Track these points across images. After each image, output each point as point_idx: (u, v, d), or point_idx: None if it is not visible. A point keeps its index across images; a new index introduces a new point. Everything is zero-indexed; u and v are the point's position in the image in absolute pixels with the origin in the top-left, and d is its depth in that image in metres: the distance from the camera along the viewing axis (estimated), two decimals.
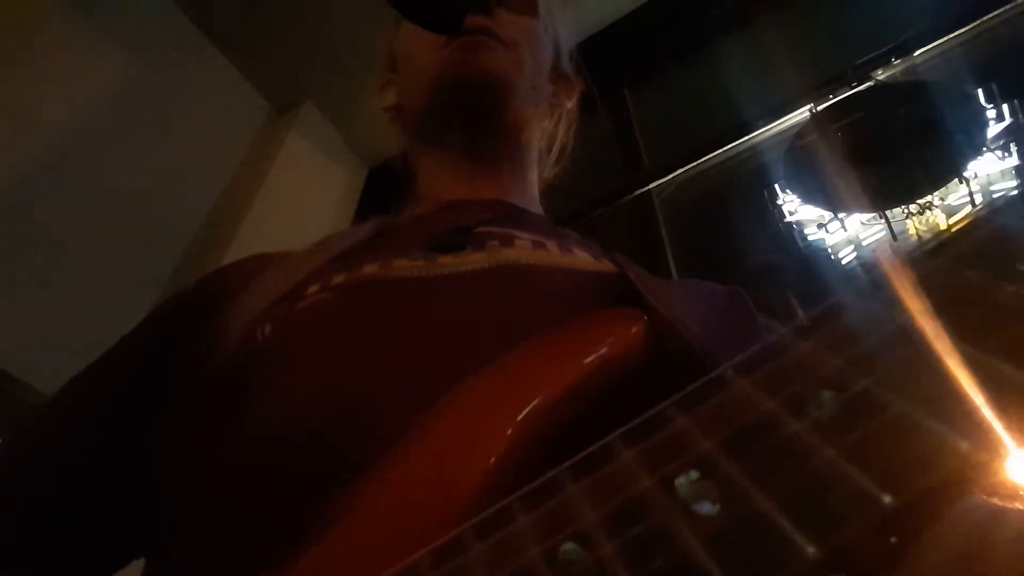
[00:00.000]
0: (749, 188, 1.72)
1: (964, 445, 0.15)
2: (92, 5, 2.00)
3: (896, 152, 1.43)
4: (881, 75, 1.59)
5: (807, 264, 1.53)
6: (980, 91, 1.39)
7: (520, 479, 0.24)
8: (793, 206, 1.57)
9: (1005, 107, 1.37)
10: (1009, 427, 0.15)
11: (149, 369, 0.47)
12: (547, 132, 0.73)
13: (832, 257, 1.51)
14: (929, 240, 0.21)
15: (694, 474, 0.17)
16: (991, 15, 1.56)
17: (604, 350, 0.32)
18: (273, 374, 0.40)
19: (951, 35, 1.61)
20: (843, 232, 1.50)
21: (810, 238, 1.54)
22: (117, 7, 2.08)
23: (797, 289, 1.52)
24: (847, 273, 1.49)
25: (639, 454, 0.19)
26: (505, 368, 0.32)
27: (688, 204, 1.89)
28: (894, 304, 0.19)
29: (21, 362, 1.48)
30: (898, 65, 1.59)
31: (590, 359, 0.31)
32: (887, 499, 0.15)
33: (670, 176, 1.92)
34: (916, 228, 1.43)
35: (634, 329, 0.33)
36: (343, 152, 2.65)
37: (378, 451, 0.30)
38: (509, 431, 0.28)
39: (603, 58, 2.15)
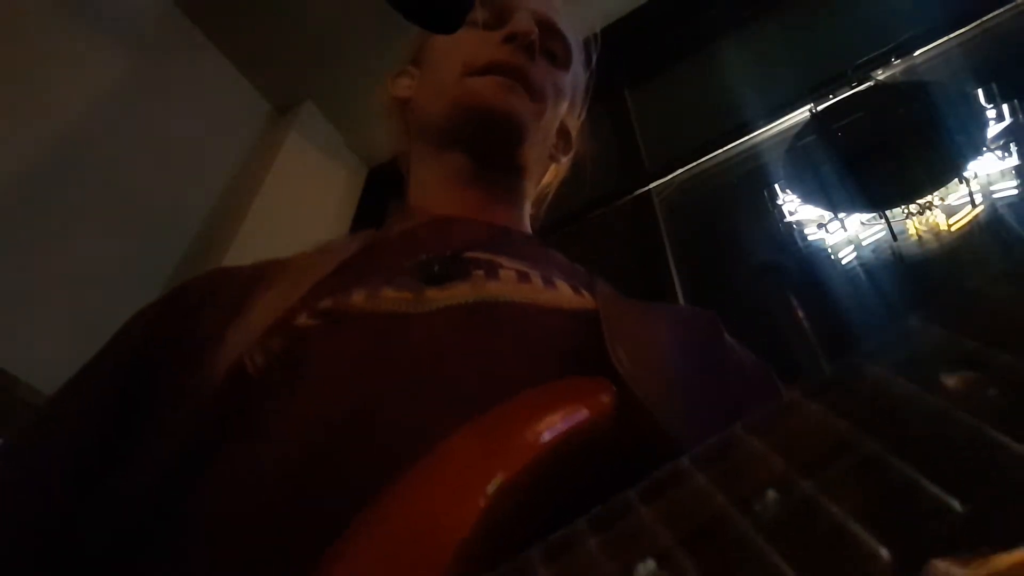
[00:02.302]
0: (749, 188, 1.72)
1: (884, 553, 0.16)
2: (92, 5, 2.01)
3: (896, 152, 1.43)
4: (881, 75, 1.59)
5: (807, 264, 1.54)
6: (980, 91, 1.40)
7: (495, 545, 0.26)
8: (793, 206, 1.58)
9: (1005, 107, 1.37)
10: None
11: (122, 398, 0.46)
12: (537, 177, 0.74)
13: (832, 257, 1.52)
14: (873, 346, 0.23)
15: (652, 564, 0.19)
16: (991, 15, 1.56)
17: (573, 422, 0.33)
18: (267, 408, 0.40)
19: (951, 35, 1.61)
20: (843, 232, 1.50)
21: (810, 238, 1.54)
22: (117, 7, 2.09)
23: (797, 289, 1.52)
24: (847, 273, 1.49)
25: (604, 542, 0.21)
26: (475, 439, 0.32)
27: (688, 204, 1.89)
28: (836, 409, 0.21)
29: (21, 362, 1.48)
30: (898, 65, 1.59)
31: (559, 431, 0.32)
32: None
33: (670, 176, 1.92)
34: (916, 228, 1.43)
35: (604, 400, 0.35)
36: (343, 152, 2.65)
37: (363, 492, 0.30)
38: (482, 503, 0.28)
39: (603, 58, 2.15)
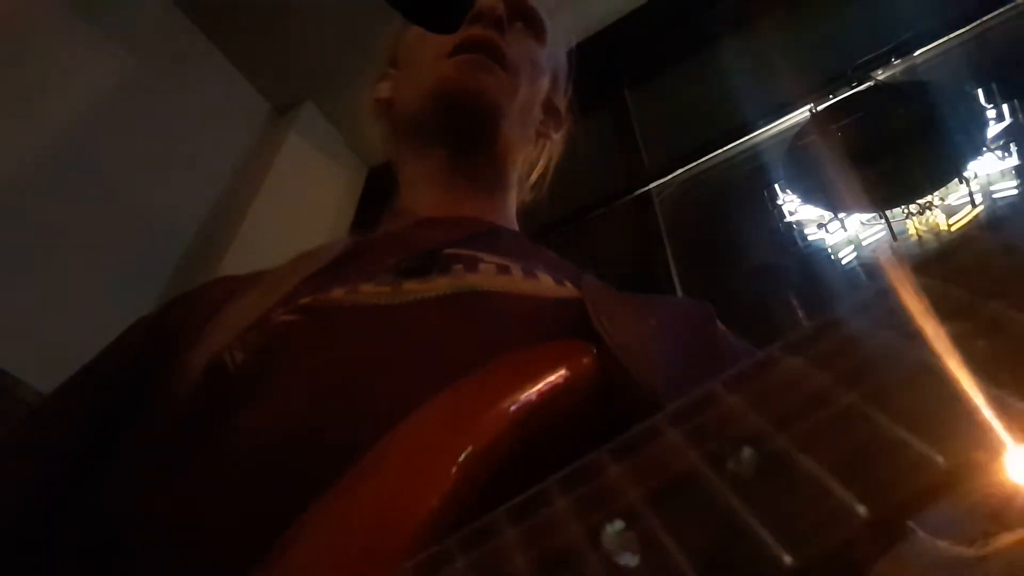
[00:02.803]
0: (749, 188, 1.72)
1: (861, 510, 0.16)
2: (92, 5, 2.00)
3: (896, 152, 1.43)
4: (881, 75, 1.59)
5: (807, 264, 1.53)
6: (980, 91, 1.40)
7: (469, 512, 0.25)
8: (793, 206, 1.57)
9: (1005, 107, 1.37)
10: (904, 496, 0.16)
11: (111, 401, 0.47)
12: (530, 158, 0.73)
13: (832, 257, 1.52)
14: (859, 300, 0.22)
15: (619, 524, 0.18)
16: (991, 15, 1.56)
17: (551, 383, 0.32)
18: (244, 400, 0.41)
19: (951, 35, 1.61)
20: (843, 232, 1.50)
21: (810, 238, 1.54)
22: (117, 7, 2.08)
23: (797, 289, 1.52)
24: (847, 273, 1.49)
25: (572, 502, 0.20)
26: (450, 404, 0.32)
27: (688, 204, 1.89)
28: (816, 362, 0.20)
29: (21, 362, 1.48)
30: (898, 65, 1.59)
31: (536, 393, 0.31)
32: (787, 559, 0.16)
33: (670, 176, 1.92)
34: (916, 228, 1.43)
35: (584, 361, 0.34)
36: (343, 152, 2.65)
37: (337, 473, 0.30)
38: (453, 470, 0.28)
39: (603, 58, 2.15)
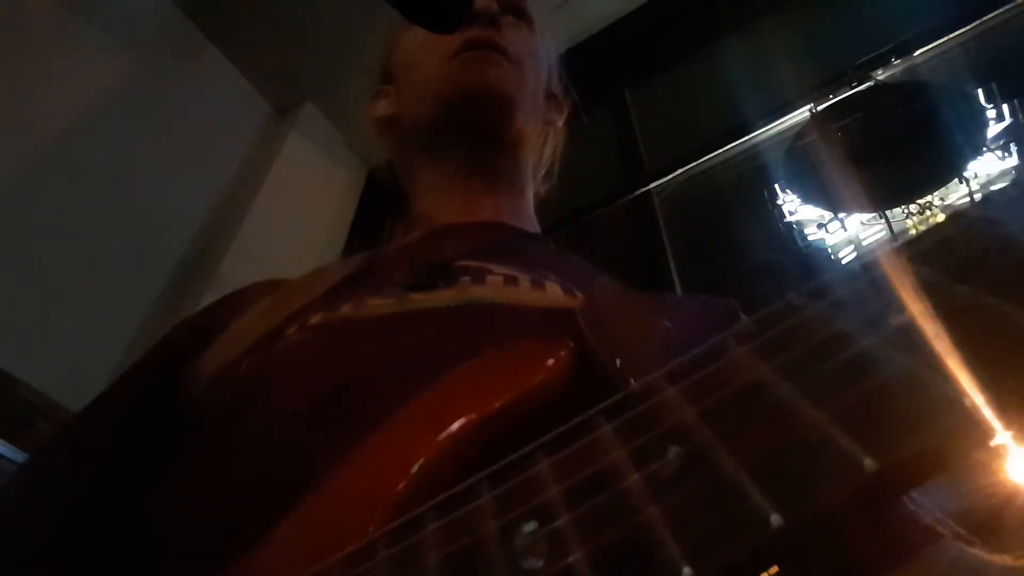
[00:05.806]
0: (749, 188, 1.72)
1: (775, 519, 0.14)
2: (92, 5, 2.01)
3: (896, 152, 1.43)
4: (881, 75, 1.59)
5: (807, 264, 1.53)
6: (980, 91, 1.40)
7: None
8: (793, 206, 1.58)
9: (1005, 107, 1.37)
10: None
11: (149, 401, 0.48)
12: (538, 147, 0.73)
13: (832, 257, 1.52)
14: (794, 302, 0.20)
15: (532, 525, 0.17)
16: (991, 15, 1.56)
17: (517, 390, 0.31)
18: (246, 409, 0.42)
19: (951, 35, 1.61)
20: (843, 232, 1.50)
21: (810, 238, 1.54)
22: (117, 7, 2.08)
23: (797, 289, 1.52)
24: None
25: (495, 498, 0.19)
26: (404, 424, 0.32)
27: (688, 204, 1.89)
28: (763, 350, 0.19)
29: (21, 362, 1.48)
30: (898, 65, 1.60)
31: (499, 401, 0.31)
32: (687, 571, 0.14)
33: (670, 176, 1.92)
34: (916, 228, 1.43)
35: (561, 354, 0.33)
36: (343, 152, 2.65)
37: (318, 484, 0.31)
38: (401, 485, 0.28)
39: (603, 58, 2.16)
